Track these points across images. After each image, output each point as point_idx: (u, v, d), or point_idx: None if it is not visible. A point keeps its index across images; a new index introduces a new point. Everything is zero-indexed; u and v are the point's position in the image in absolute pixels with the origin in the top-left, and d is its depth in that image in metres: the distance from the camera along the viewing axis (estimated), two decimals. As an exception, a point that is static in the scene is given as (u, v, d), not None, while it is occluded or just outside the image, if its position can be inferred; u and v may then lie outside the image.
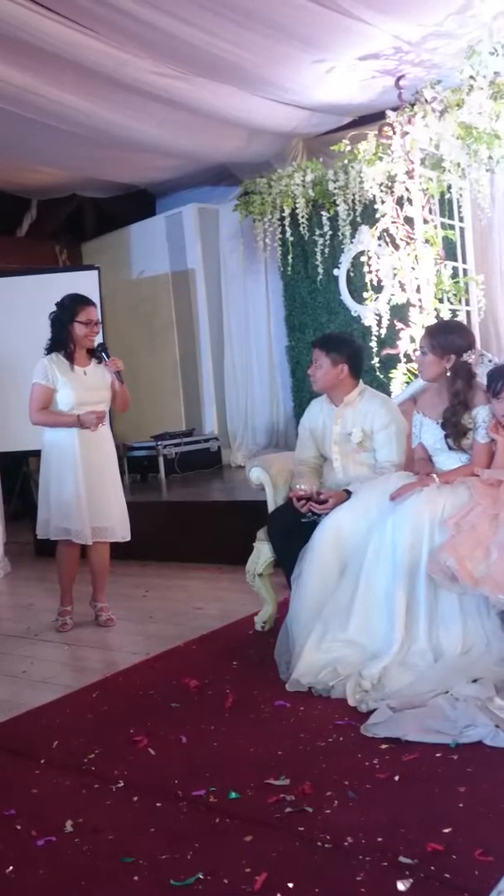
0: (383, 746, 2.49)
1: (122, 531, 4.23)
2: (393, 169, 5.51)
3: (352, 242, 6.31)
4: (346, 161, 6.13)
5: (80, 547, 4.23)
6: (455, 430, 3.26)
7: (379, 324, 5.81)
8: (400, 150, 5.39)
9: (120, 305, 8.29)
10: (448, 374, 3.30)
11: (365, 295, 5.95)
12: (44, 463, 4.21)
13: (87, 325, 4.09)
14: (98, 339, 4.26)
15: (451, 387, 3.29)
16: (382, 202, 5.65)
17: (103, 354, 4.18)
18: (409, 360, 5.49)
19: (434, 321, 5.22)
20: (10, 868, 2.04)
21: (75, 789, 2.43)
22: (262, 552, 3.80)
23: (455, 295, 5.58)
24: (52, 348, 4.14)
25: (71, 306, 4.12)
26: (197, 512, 5.89)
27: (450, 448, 3.30)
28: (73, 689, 3.30)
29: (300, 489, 3.47)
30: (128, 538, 4.26)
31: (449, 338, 3.32)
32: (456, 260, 5.70)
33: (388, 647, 2.98)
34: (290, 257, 6.98)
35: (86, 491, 4.07)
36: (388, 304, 5.73)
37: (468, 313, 5.70)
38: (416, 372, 5.05)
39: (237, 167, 7.67)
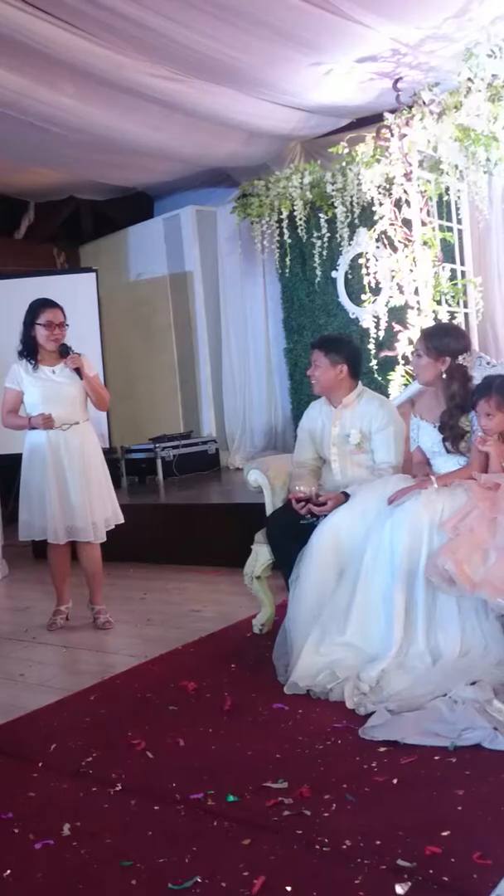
0: (381, 749, 2.48)
1: (96, 532, 4.21)
2: (391, 171, 5.51)
3: (350, 244, 6.31)
4: (343, 163, 6.13)
5: (68, 548, 4.25)
6: (452, 434, 3.26)
7: (377, 326, 5.82)
8: (398, 152, 5.40)
9: (118, 308, 8.29)
10: (444, 376, 3.30)
11: (363, 297, 5.96)
12: (24, 465, 4.26)
13: (47, 326, 4.13)
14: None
15: (446, 390, 3.29)
16: (380, 204, 5.66)
17: (64, 353, 4.17)
18: (407, 362, 5.48)
19: (432, 323, 5.23)
20: (8, 871, 2.03)
21: (73, 792, 2.43)
22: (261, 554, 3.79)
23: (453, 297, 5.59)
24: (21, 351, 4.22)
25: (34, 309, 4.19)
26: (195, 514, 5.89)
27: (448, 451, 3.30)
28: (71, 692, 3.29)
29: (299, 491, 3.47)
30: (100, 539, 4.24)
31: (444, 340, 3.32)
32: (454, 262, 5.71)
33: (387, 650, 2.98)
34: (287, 259, 6.98)
35: (57, 491, 4.12)
36: (386, 306, 5.73)
37: (466, 315, 5.71)
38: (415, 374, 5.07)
39: (235, 169, 7.68)
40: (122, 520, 4.34)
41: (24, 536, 4.30)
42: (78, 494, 4.14)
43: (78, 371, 4.15)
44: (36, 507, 4.18)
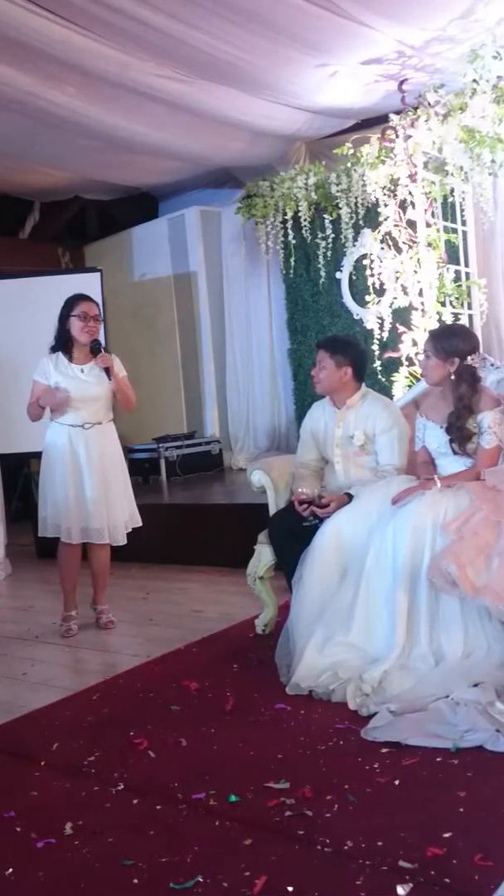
0: (384, 750, 2.48)
1: (114, 534, 4.18)
2: (395, 172, 5.51)
3: (354, 246, 6.31)
4: (348, 164, 6.13)
5: (80, 549, 4.23)
6: (459, 435, 3.25)
7: (381, 327, 5.82)
8: (403, 153, 5.39)
9: (122, 308, 8.30)
10: (452, 377, 3.29)
11: (367, 298, 5.95)
12: (43, 462, 4.23)
13: (82, 318, 4.10)
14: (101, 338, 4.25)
15: (455, 391, 3.28)
16: (385, 205, 5.65)
17: (96, 350, 4.14)
18: (410, 363, 5.48)
19: (436, 325, 5.22)
20: (10, 870, 2.04)
21: (75, 792, 2.43)
22: (263, 555, 3.79)
23: (457, 298, 5.58)
24: (54, 346, 4.19)
25: (69, 302, 4.17)
26: (198, 514, 5.89)
27: (454, 452, 3.29)
28: (74, 692, 3.29)
29: (301, 492, 3.46)
30: (119, 542, 4.21)
31: (452, 341, 3.31)
32: (458, 263, 5.70)
33: (389, 651, 2.98)
34: (292, 260, 6.98)
35: (74, 490, 4.09)
36: (390, 307, 5.73)
37: (470, 317, 5.70)
38: (419, 375, 5.07)
39: (240, 170, 7.68)
40: (139, 523, 4.29)
41: (39, 533, 4.27)
42: (95, 495, 4.10)
43: (107, 371, 4.12)
44: (50, 505, 4.14)
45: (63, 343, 4.16)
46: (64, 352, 4.15)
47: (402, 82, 5.54)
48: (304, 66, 5.48)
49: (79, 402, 4.11)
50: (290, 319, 7.35)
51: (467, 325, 5.53)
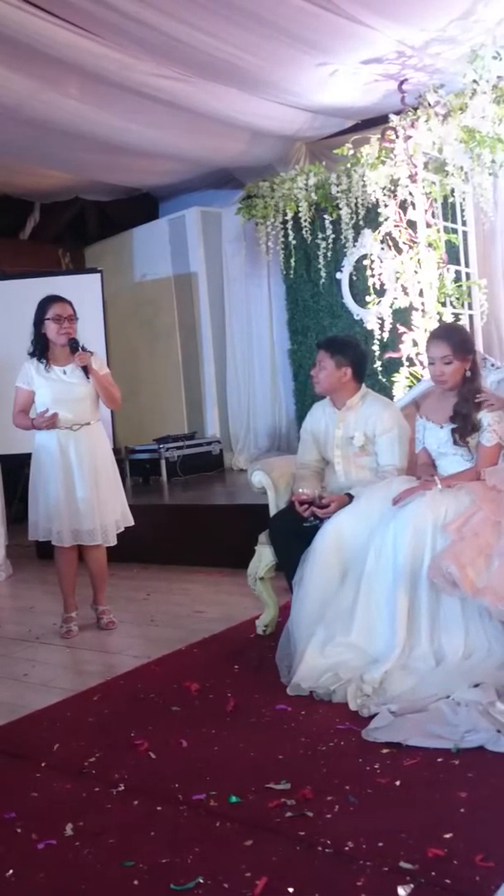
0: (384, 751, 2.48)
1: (106, 535, 4.17)
2: (396, 173, 5.51)
3: (354, 246, 6.31)
4: (348, 165, 6.13)
5: (75, 551, 4.23)
6: (464, 424, 3.24)
7: (381, 327, 5.82)
8: (403, 153, 5.39)
9: (122, 309, 8.30)
10: (468, 374, 3.29)
11: (367, 298, 5.96)
12: (33, 465, 4.22)
13: (56, 321, 4.09)
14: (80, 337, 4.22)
15: (471, 384, 3.27)
16: (385, 206, 5.65)
17: (74, 349, 4.12)
18: (411, 363, 5.48)
19: (436, 325, 5.22)
20: (11, 871, 2.04)
21: (76, 793, 2.43)
22: (264, 556, 3.79)
23: (457, 299, 5.58)
24: (33, 351, 4.19)
25: (41, 305, 4.16)
26: (199, 515, 5.89)
27: (455, 443, 3.28)
28: (74, 693, 3.29)
29: (302, 493, 3.46)
30: (110, 543, 4.20)
31: (464, 337, 3.37)
32: (459, 264, 5.70)
33: (390, 652, 2.98)
34: (292, 261, 6.98)
35: (65, 493, 4.08)
36: (391, 307, 5.73)
37: (471, 317, 5.70)
38: (419, 376, 5.08)
39: (240, 170, 7.68)
40: (131, 522, 4.30)
41: (31, 537, 4.28)
42: (86, 497, 4.09)
43: (85, 370, 4.12)
44: (42, 508, 4.14)
45: (41, 347, 4.16)
46: (43, 355, 4.15)
47: (402, 82, 5.54)
48: (303, 66, 5.48)
49: (64, 404, 4.10)
50: (290, 320, 7.35)
51: (468, 325, 5.54)
